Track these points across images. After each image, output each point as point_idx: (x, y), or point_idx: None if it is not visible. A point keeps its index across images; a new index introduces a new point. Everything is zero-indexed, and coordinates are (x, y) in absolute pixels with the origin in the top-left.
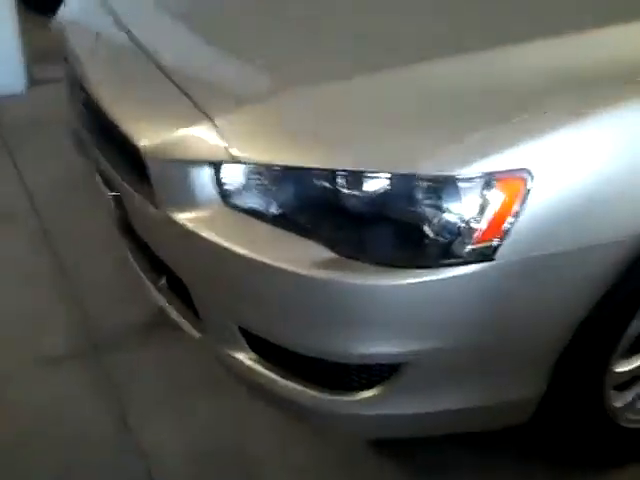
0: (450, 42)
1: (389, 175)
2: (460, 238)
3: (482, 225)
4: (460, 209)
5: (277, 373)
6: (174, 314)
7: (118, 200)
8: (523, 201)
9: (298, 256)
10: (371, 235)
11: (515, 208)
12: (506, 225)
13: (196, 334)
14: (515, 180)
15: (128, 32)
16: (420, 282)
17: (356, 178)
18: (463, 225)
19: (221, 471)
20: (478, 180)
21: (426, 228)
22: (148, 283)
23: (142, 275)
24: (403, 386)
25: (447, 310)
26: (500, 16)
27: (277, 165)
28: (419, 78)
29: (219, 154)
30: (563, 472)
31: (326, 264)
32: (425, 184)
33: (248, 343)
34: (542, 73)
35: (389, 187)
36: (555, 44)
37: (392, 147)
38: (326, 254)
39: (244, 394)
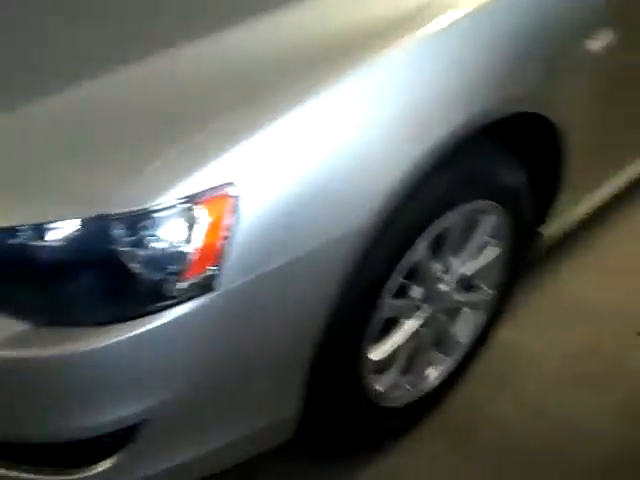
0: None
1: (79, 222)
2: (170, 276)
3: (192, 256)
4: (163, 244)
5: (3, 466)
6: None
7: None
8: (234, 218)
9: None
10: (67, 295)
11: (226, 229)
12: (219, 249)
13: None
14: (220, 198)
15: None
16: (135, 335)
17: (41, 231)
18: (170, 260)
19: None
20: (178, 207)
21: (132, 272)
22: None
23: None
24: (144, 446)
25: (175, 357)
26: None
27: None
28: (78, 105)
29: None
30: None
31: (17, 339)
32: (121, 224)
33: None
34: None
35: (81, 234)
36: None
37: (76, 189)
38: (18, 327)
39: None
